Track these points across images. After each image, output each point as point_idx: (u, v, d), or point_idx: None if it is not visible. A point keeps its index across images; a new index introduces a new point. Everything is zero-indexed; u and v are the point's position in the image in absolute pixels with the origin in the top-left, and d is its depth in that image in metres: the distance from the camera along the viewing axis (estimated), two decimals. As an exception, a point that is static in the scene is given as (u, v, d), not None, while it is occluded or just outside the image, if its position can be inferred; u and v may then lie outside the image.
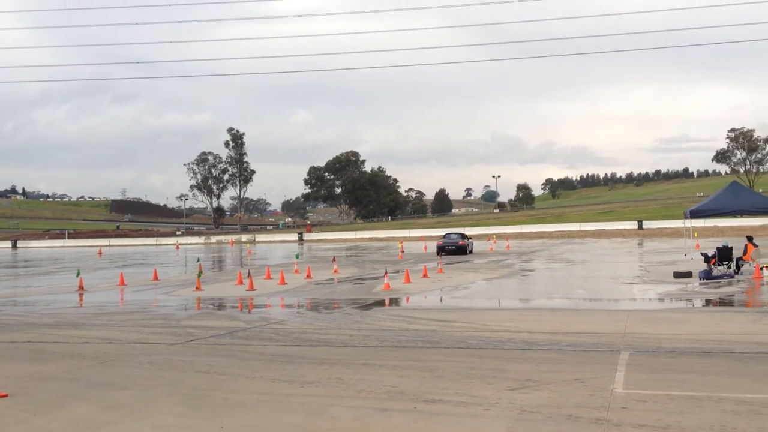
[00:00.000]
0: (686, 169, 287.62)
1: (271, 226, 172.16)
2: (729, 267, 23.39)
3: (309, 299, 20.66)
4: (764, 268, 22.33)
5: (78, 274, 26.73)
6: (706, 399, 7.65)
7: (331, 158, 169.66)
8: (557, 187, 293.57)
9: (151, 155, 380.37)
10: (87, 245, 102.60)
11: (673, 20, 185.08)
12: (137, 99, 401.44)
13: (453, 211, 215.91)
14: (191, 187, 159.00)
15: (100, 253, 69.44)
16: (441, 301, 19.86)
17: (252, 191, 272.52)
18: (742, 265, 23.61)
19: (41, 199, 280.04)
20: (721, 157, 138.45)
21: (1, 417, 7.65)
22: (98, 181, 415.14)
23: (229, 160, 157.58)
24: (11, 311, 19.15)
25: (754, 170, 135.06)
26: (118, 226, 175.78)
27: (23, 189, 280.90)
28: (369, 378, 9.15)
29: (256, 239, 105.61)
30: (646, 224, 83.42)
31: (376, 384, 8.77)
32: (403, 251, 50.13)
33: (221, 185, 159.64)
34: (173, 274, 34.98)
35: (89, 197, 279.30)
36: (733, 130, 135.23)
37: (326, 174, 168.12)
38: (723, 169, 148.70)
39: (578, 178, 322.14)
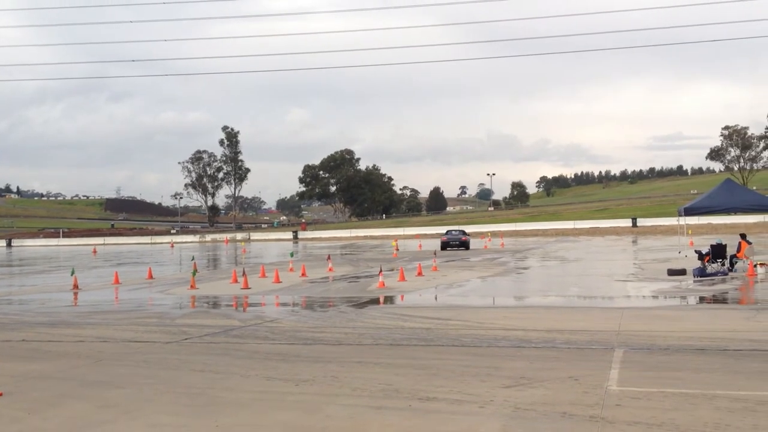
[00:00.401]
0: (680, 167, 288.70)
1: (266, 225, 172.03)
2: (723, 264, 23.47)
3: (304, 297, 20.65)
4: (758, 266, 22.42)
5: (73, 273, 26.68)
6: (700, 396, 7.67)
7: (325, 156, 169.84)
8: (552, 185, 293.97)
9: (145, 154, 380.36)
10: (82, 244, 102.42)
11: (667, 18, 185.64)
12: (132, 97, 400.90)
13: (448, 209, 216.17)
14: (186, 185, 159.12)
15: (94, 251, 69.31)
16: (436, 299, 19.88)
17: (247, 189, 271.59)
18: (736, 262, 23.69)
19: (36, 198, 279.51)
20: (715, 154, 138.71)
21: (-5, 416, 7.64)
22: (93, 180, 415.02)
23: (224, 158, 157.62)
24: (6, 310, 19.09)
25: (748, 168, 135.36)
26: (112, 225, 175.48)
27: (18, 188, 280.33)
28: (364, 376, 9.15)
29: (251, 237, 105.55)
30: (641, 222, 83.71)
31: (370, 382, 8.78)
32: (397, 249, 50.16)
33: (216, 183, 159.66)
34: (168, 272, 34.92)
35: (84, 196, 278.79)
36: (727, 127, 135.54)
37: (321, 172, 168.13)
38: (717, 166, 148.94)
39: (573, 176, 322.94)
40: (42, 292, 24.80)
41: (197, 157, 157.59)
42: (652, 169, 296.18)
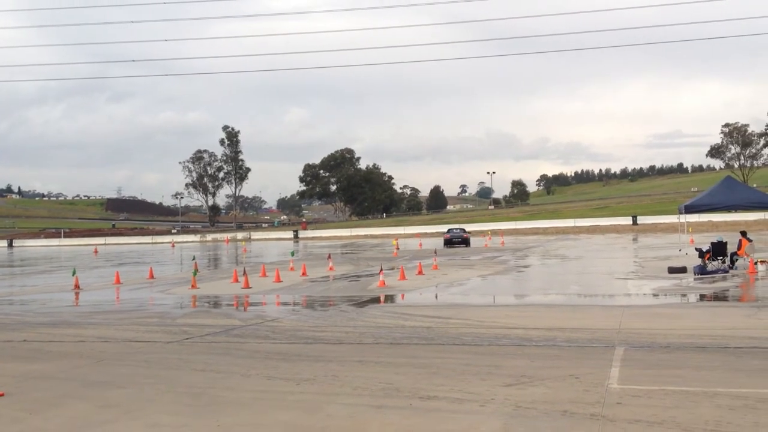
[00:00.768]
0: (680, 165, 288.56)
1: (267, 224, 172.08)
2: (723, 262, 23.46)
3: (304, 297, 20.66)
4: (758, 263, 22.40)
5: (74, 273, 26.71)
6: (701, 394, 7.68)
7: (326, 156, 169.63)
8: (552, 183, 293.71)
9: (146, 153, 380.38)
10: (83, 244, 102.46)
11: (666, 16, 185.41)
12: (132, 97, 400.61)
13: (448, 207, 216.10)
14: (186, 185, 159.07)
15: (95, 251, 69.33)
16: (436, 297, 19.88)
17: (247, 189, 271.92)
18: (737, 260, 23.68)
19: (37, 198, 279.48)
20: (715, 152, 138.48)
21: (-4, 417, 7.65)
22: (94, 180, 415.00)
23: (225, 158, 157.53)
24: (7, 310, 19.11)
25: (748, 165, 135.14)
26: (113, 225, 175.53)
27: (19, 188, 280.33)
28: (364, 375, 9.16)
29: (252, 237, 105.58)
30: (641, 220, 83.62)
31: (371, 381, 8.78)
32: (398, 248, 50.16)
33: (216, 183, 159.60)
34: (169, 272, 34.94)
35: (85, 196, 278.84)
36: (727, 125, 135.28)
37: (321, 171, 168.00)
38: (717, 164, 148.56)
39: (573, 174, 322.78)
40: (43, 292, 24.81)
41: (198, 157, 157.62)
42: (652, 167, 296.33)
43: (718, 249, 23.69)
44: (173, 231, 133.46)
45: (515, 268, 30.33)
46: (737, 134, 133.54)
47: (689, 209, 27.58)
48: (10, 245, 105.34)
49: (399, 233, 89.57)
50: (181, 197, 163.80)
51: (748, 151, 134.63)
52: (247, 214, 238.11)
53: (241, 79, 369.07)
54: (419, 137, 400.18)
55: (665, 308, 15.93)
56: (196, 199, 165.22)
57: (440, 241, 60.89)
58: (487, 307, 17.17)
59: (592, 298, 18.64)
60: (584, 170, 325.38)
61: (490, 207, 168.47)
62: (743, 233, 24.53)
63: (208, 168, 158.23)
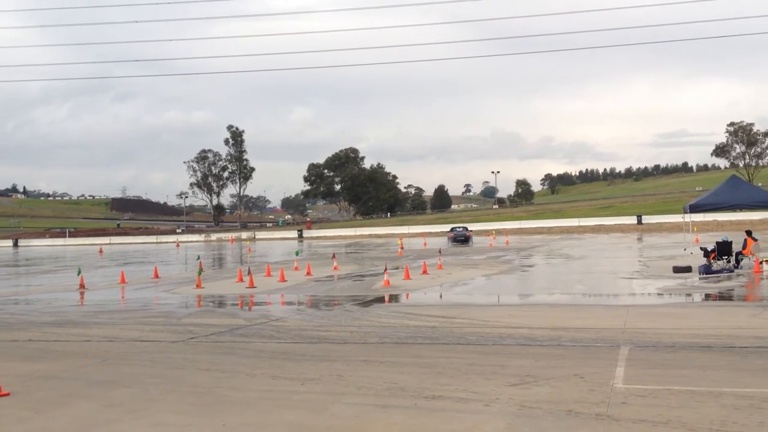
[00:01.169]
0: (685, 164, 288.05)
1: (271, 224, 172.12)
2: (728, 261, 23.38)
3: (309, 296, 20.67)
4: (764, 263, 22.34)
5: (79, 273, 26.77)
6: (706, 394, 7.66)
7: (330, 155, 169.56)
8: (556, 183, 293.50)
9: (151, 153, 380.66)
10: (88, 243, 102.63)
11: (670, 15, 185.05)
12: (137, 97, 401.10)
13: (452, 207, 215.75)
14: (191, 184, 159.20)
15: (100, 251, 69.46)
16: (441, 297, 19.87)
17: (252, 189, 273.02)
18: (742, 259, 23.61)
19: (42, 198, 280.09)
20: (720, 151, 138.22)
21: (2, 416, 7.67)
22: (98, 180, 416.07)
23: (229, 157, 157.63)
24: (13, 310, 19.16)
25: (753, 164, 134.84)
26: (118, 225, 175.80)
27: (24, 188, 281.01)
28: (369, 375, 9.16)
29: (256, 237, 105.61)
30: (646, 219, 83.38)
31: (376, 381, 8.78)
32: (402, 248, 50.13)
33: (221, 183, 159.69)
34: (174, 271, 35.00)
35: (90, 196, 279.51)
36: (732, 124, 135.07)
37: (326, 171, 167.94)
38: (722, 163, 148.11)
39: (577, 174, 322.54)
40: (48, 291, 24.87)
41: (202, 157, 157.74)
42: (657, 166, 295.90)
43: (723, 248, 23.61)
44: (178, 231, 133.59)
45: (520, 267, 30.29)
46: (742, 133, 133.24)
47: (694, 209, 27.47)
48: (16, 245, 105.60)
49: (403, 233, 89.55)
50: (186, 197, 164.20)
51: (753, 150, 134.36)
52: (252, 214, 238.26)
53: (245, 79, 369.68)
54: (423, 137, 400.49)
55: (670, 308, 15.90)
56: (200, 199, 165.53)
57: (445, 240, 61.62)
58: (491, 307, 17.17)
59: (596, 298, 18.61)
60: (589, 170, 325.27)
61: (494, 206, 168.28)
62: (748, 233, 24.45)
63: (213, 168, 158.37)
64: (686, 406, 7.21)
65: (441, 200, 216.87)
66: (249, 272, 24.65)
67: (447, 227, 76.89)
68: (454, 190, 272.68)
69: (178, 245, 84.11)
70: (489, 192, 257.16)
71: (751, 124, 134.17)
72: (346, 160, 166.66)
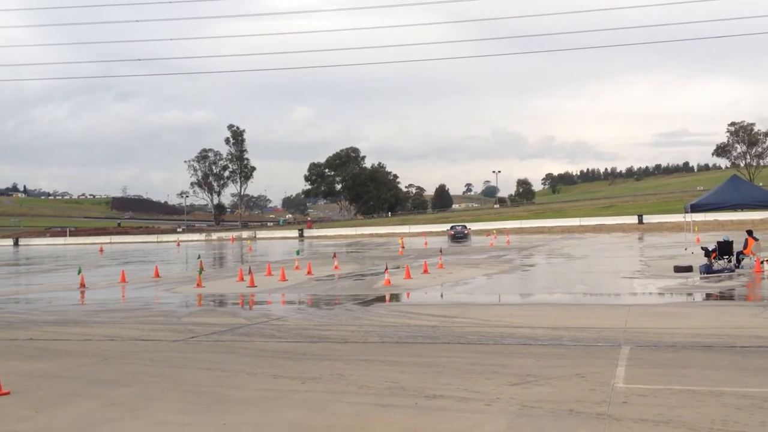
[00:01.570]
0: (686, 163, 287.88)
1: (272, 223, 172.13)
2: (729, 261, 23.37)
3: (310, 295, 20.67)
4: (765, 262, 22.31)
5: (79, 272, 26.78)
6: (707, 393, 7.65)
7: (331, 154, 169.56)
8: (557, 182, 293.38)
9: (151, 152, 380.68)
10: (88, 243, 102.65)
11: (671, 14, 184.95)
12: (138, 96, 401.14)
13: (453, 206, 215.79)
14: (192, 184, 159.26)
15: (101, 250, 69.48)
16: (441, 296, 19.86)
17: (252, 188, 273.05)
18: (743, 259, 23.59)
19: (42, 197, 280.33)
20: (721, 151, 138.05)
21: (3, 415, 7.67)
22: (99, 179, 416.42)
23: (230, 156, 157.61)
24: (13, 309, 19.17)
25: (754, 164, 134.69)
26: (119, 224, 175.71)
27: (24, 187, 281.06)
28: (370, 374, 9.16)
29: (257, 236, 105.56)
30: (647, 219, 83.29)
31: (377, 380, 8.78)
32: (403, 247, 50.11)
33: (222, 182, 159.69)
34: (174, 271, 35.00)
35: (90, 195, 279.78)
36: (733, 123, 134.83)
37: (326, 170, 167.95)
38: (723, 163, 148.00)
39: (578, 173, 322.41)
40: (49, 290, 24.88)
41: (203, 156, 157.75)
42: (658, 166, 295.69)
43: (724, 248, 23.60)
44: (178, 230, 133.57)
45: (520, 266, 30.28)
46: (743, 133, 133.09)
47: (695, 208, 27.51)
48: (16, 244, 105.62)
49: (404, 232, 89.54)
50: (187, 196, 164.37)
51: (754, 150, 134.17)
52: (252, 213, 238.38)
53: (246, 78, 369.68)
54: (424, 136, 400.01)
55: (671, 307, 15.90)
56: (201, 198, 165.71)
57: (445, 239, 61.76)
58: (492, 306, 17.17)
59: (597, 297, 18.61)
60: (590, 169, 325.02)
61: (495, 206, 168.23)
62: (749, 232, 24.43)
63: (214, 167, 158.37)
64: (687, 405, 7.21)
65: (442, 200, 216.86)
66: (250, 271, 24.65)
67: (448, 226, 76.95)
68: (455, 189, 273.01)
69: (178, 244, 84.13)
70: (490, 191, 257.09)
71: (752, 124, 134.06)
72: (347, 160, 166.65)
